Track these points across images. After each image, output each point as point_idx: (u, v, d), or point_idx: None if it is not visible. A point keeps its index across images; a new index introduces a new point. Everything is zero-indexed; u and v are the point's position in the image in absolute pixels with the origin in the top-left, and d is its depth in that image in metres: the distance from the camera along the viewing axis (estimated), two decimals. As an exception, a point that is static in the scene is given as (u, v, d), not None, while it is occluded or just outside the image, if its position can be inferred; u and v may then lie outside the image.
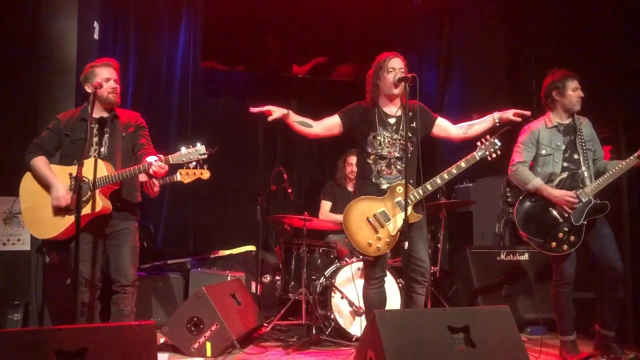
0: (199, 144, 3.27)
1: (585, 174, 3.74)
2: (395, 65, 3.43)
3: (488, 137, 3.40)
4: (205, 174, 3.46)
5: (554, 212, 3.72)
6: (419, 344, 2.67)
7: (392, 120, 3.48)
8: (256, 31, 6.16)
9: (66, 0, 4.76)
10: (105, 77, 3.45)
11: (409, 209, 3.29)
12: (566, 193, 3.67)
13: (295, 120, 3.53)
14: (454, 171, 3.35)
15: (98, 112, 3.49)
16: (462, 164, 3.37)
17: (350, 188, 5.43)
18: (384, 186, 3.42)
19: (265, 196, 5.26)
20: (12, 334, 2.63)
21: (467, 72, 6.36)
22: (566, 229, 3.68)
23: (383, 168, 3.44)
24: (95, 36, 5.27)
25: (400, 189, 3.34)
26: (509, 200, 5.33)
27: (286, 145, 6.63)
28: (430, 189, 3.35)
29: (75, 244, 2.92)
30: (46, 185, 3.37)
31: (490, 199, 5.48)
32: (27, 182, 3.46)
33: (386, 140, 3.44)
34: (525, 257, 4.93)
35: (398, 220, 3.33)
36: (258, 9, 6.05)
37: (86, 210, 3.24)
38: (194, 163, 3.29)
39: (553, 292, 3.83)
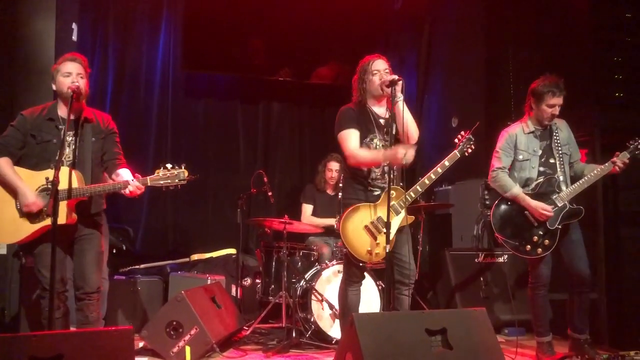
0: (178, 169, 3.12)
1: (561, 178, 3.80)
2: (380, 67, 3.47)
3: (463, 133, 3.47)
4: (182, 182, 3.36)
5: (529, 216, 3.77)
6: (397, 347, 2.69)
7: (382, 122, 3.51)
8: (236, 34, 6.14)
9: (44, 1, 4.71)
10: (66, 71, 3.25)
11: (403, 212, 3.38)
12: (541, 205, 3.71)
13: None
14: (439, 170, 3.40)
15: (65, 113, 3.23)
16: (446, 162, 3.42)
17: (330, 192, 5.45)
18: (377, 192, 3.44)
19: (246, 199, 5.25)
20: (-14, 340, 2.60)
21: (446, 76, 6.41)
22: (541, 232, 3.74)
23: (378, 175, 3.46)
24: (74, 37, 5.21)
25: (392, 193, 3.34)
26: (487, 202, 5.38)
27: (267, 148, 6.62)
28: (420, 190, 3.40)
29: (52, 251, 2.85)
30: (11, 190, 3.20)
31: (468, 201, 5.53)
32: None
33: (380, 145, 3.45)
34: (503, 259, 4.98)
35: (394, 224, 3.34)
36: (238, 12, 6.03)
37: (48, 221, 3.11)
38: (170, 166, 3.15)
39: (529, 294, 3.88)
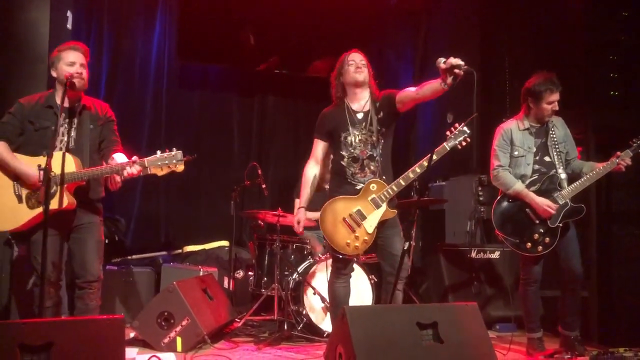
0: (175, 149, 3.14)
1: (562, 176, 3.79)
2: (355, 58, 3.51)
3: (457, 125, 3.35)
4: (180, 167, 3.27)
5: (530, 214, 3.77)
6: (388, 340, 2.70)
7: (360, 116, 3.50)
8: (232, 26, 6.13)
9: (39, -12, 4.67)
10: (69, 60, 3.27)
11: (384, 205, 3.34)
12: (546, 202, 3.71)
13: (307, 199, 3.64)
14: (425, 164, 3.31)
15: (64, 101, 3.29)
16: (434, 156, 3.30)
17: (324, 185, 5.43)
18: (359, 186, 3.44)
19: (240, 191, 5.24)
20: (-24, 327, 2.59)
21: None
22: (542, 230, 3.74)
23: (357, 171, 3.46)
24: (69, 26, 5.17)
25: (374, 187, 3.37)
26: (481, 199, 5.40)
27: (261, 140, 6.61)
28: (403, 183, 3.35)
29: (44, 238, 2.84)
30: (10, 174, 3.22)
31: (462, 197, 5.54)
32: None
33: (357, 139, 3.46)
34: (496, 255, 5.00)
35: (374, 218, 3.35)
36: (234, 4, 6.01)
37: (51, 205, 3.07)
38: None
39: (520, 290, 3.90)
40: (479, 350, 2.84)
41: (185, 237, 5.91)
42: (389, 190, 3.35)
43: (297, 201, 5.38)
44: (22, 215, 3.20)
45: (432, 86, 3.24)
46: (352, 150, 3.46)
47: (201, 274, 4.77)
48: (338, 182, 3.52)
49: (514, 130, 3.88)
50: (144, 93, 6.05)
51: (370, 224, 3.35)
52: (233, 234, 5.14)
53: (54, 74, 3.35)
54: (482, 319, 2.96)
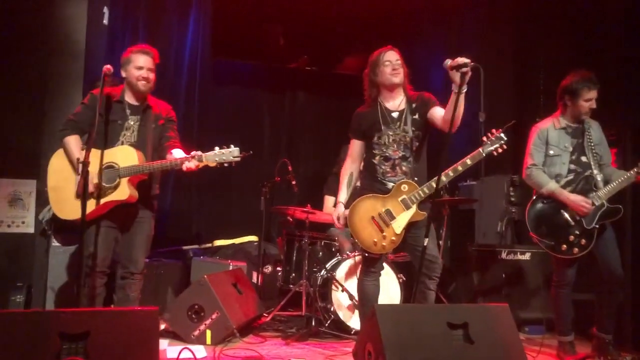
0: (232, 146, 3.27)
1: (598, 177, 3.72)
2: (391, 58, 3.43)
3: (494, 131, 3.31)
4: (213, 164, 3.40)
5: (566, 215, 3.70)
6: (418, 339, 2.69)
7: (395, 115, 3.46)
8: (264, 23, 6.16)
9: (76, -16, 4.77)
10: (138, 65, 3.43)
11: (414, 207, 3.31)
12: (582, 198, 3.65)
13: (346, 196, 3.59)
14: (460, 168, 3.28)
15: (132, 99, 3.51)
16: (468, 160, 3.30)
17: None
18: (389, 185, 3.42)
19: (270, 187, 5.27)
20: (17, 314, 2.67)
21: (475, 70, 6.32)
22: (577, 232, 3.67)
23: (388, 170, 3.44)
24: (105, 22, 5.27)
25: (405, 187, 3.34)
26: (513, 199, 5.33)
27: (291, 136, 6.64)
28: (435, 186, 3.29)
29: (81, 230, 2.94)
30: (75, 167, 3.37)
31: (493, 197, 5.47)
32: (56, 161, 3.46)
33: (390, 139, 3.43)
34: (526, 256, 4.93)
35: (403, 219, 3.33)
36: (267, 2, 6.04)
37: (113, 196, 3.27)
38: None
39: (552, 292, 3.84)
40: (510, 352, 2.80)
41: (215, 231, 5.99)
42: (420, 192, 3.31)
43: (327, 197, 5.42)
44: (87, 205, 3.25)
45: (450, 105, 3.16)
46: (385, 150, 3.44)
47: (231, 268, 4.82)
48: (369, 180, 3.51)
49: (549, 129, 3.82)
50: (177, 88, 6.13)
51: (399, 224, 3.33)
52: (262, 229, 5.18)
53: (123, 73, 3.49)
54: (513, 320, 2.92)
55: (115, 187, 3.27)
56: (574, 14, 5.15)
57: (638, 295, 4.27)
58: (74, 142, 3.40)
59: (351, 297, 4.36)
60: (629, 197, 4.28)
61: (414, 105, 3.44)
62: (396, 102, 3.50)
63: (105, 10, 5.24)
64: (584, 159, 3.77)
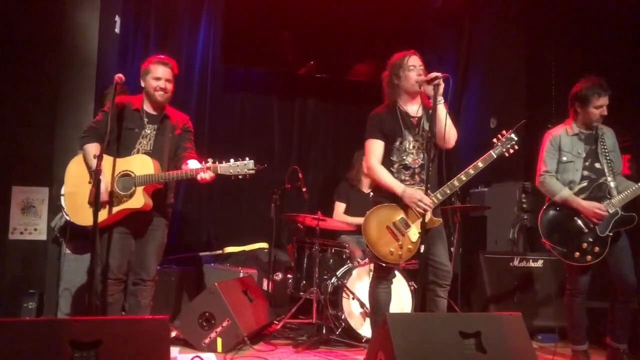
0: (247, 158, 3.31)
1: (612, 184, 3.68)
2: (415, 63, 3.39)
3: (504, 132, 3.30)
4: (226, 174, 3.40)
5: (579, 222, 3.67)
6: (429, 348, 2.66)
7: (415, 120, 3.44)
8: (275, 30, 6.18)
9: (88, -7, 4.82)
10: (156, 75, 3.47)
11: (429, 214, 3.27)
12: (595, 205, 3.61)
13: (396, 182, 3.38)
14: (472, 172, 3.27)
15: (150, 108, 3.54)
16: (479, 163, 3.28)
17: (365, 189, 5.41)
18: None
19: (280, 194, 5.27)
20: (28, 322, 2.68)
21: (486, 76, 6.32)
22: (591, 239, 3.63)
23: (406, 178, 3.39)
24: (117, 30, 5.32)
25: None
26: (524, 206, 5.30)
27: (302, 143, 6.64)
28: (448, 192, 3.29)
29: (92, 237, 2.96)
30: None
31: (505, 204, 5.45)
32: (74, 167, 3.48)
33: (411, 146, 3.39)
34: (539, 264, 4.89)
35: (418, 226, 3.30)
36: (278, 8, 6.06)
37: (128, 204, 3.30)
38: (211, 161, 3.32)
39: (566, 301, 3.80)
40: (523, 361, 2.77)
41: (225, 238, 5.99)
42: (434, 198, 3.28)
43: (337, 204, 5.40)
44: (102, 212, 3.29)
45: (435, 118, 3.24)
46: (405, 157, 3.39)
47: (241, 275, 4.82)
48: (385, 191, 3.42)
49: (562, 136, 3.79)
50: (188, 95, 6.16)
51: (415, 232, 3.30)
52: (273, 236, 5.18)
53: (142, 83, 3.54)
54: (526, 329, 2.89)
55: (131, 195, 3.30)
56: (586, 20, 5.12)
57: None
58: (93, 149, 3.41)
59: (362, 304, 4.34)
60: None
61: (429, 112, 3.41)
62: (414, 108, 3.47)
63: (117, 19, 5.30)
64: (597, 165, 3.73)
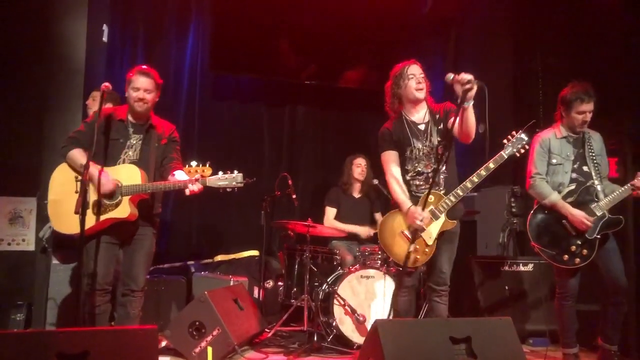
0: (236, 171, 3.31)
1: (599, 187, 3.71)
2: (415, 72, 3.45)
3: (514, 133, 3.35)
4: (207, 172, 3.38)
5: (568, 225, 3.69)
6: (420, 354, 2.67)
7: (422, 127, 3.46)
8: (263, 37, 6.17)
9: (76, 2, 4.80)
10: (135, 86, 3.46)
11: (443, 216, 3.31)
12: (583, 215, 3.63)
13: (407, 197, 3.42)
14: (483, 173, 3.29)
15: (133, 118, 3.53)
16: (491, 164, 3.31)
17: (356, 194, 5.42)
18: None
19: (270, 201, 5.27)
20: (13, 335, 2.66)
21: (474, 82, 6.34)
22: (579, 242, 3.65)
23: (422, 184, 3.42)
24: (104, 39, 5.31)
25: (432, 198, 3.32)
26: (514, 210, 5.32)
27: (291, 150, 6.64)
28: (461, 194, 3.30)
29: (79, 247, 2.94)
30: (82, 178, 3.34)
31: (494, 208, 5.46)
32: (58, 175, 3.46)
33: (421, 152, 3.42)
34: (529, 268, 4.90)
35: (433, 229, 3.31)
36: (266, 15, 6.07)
37: (114, 214, 3.28)
38: (195, 164, 3.34)
39: (556, 304, 3.81)
40: (514, 366, 2.78)
41: (216, 246, 5.96)
42: (447, 201, 3.30)
43: (328, 209, 5.39)
44: (87, 220, 3.23)
45: (459, 118, 3.23)
46: (417, 165, 3.42)
47: (232, 283, 4.79)
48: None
49: (551, 138, 3.82)
50: (177, 104, 6.15)
51: (430, 235, 3.31)
52: (263, 243, 5.17)
53: (126, 94, 3.52)
54: (516, 333, 2.89)
55: (117, 205, 3.28)
56: (572, 25, 5.16)
57: (642, 305, 4.24)
58: (78, 153, 3.40)
59: (353, 310, 4.33)
60: (631, 207, 4.27)
61: (437, 117, 3.45)
62: (420, 115, 3.50)
63: (105, 27, 5.28)
64: (585, 168, 3.76)
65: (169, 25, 6.15)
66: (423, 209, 3.27)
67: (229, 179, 3.30)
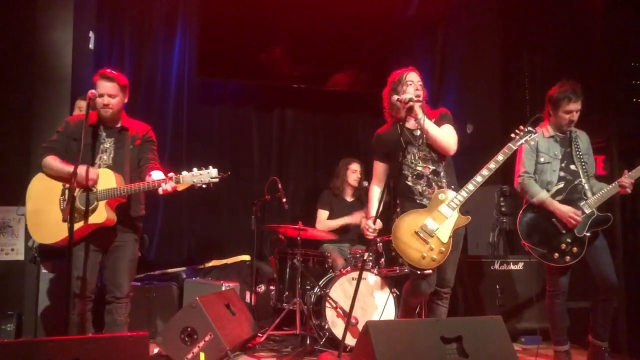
0: (211, 167, 3.25)
1: (586, 185, 3.74)
2: (413, 79, 3.48)
3: (522, 127, 3.40)
4: (189, 183, 3.32)
5: (557, 223, 3.71)
6: (411, 354, 2.68)
7: (417, 133, 3.47)
8: (251, 42, 6.17)
9: (62, 10, 4.78)
10: (99, 92, 3.41)
11: (456, 213, 3.30)
12: (571, 210, 3.66)
13: (376, 210, 3.49)
14: (492, 166, 3.30)
15: (103, 122, 3.49)
16: (500, 157, 3.32)
17: (348, 198, 5.43)
18: (427, 202, 3.38)
19: (260, 206, 5.26)
20: (4, 344, 2.62)
21: (461, 82, 6.39)
22: (569, 240, 3.67)
23: (424, 188, 3.42)
24: (91, 46, 5.28)
25: (442, 196, 3.32)
26: (503, 209, 5.35)
27: (281, 154, 6.64)
28: (472, 189, 3.29)
29: (68, 254, 2.92)
30: (65, 179, 3.33)
31: (484, 208, 5.49)
32: (37, 185, 3.43)
33: (416, 157, 3.43)
34: (519, 266, 4.93)
35: (447, 226, 3.29)
36: (253, 20, 6.06)
37: (91, 220, 3.24)
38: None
39: (547, 302, 3.83)
40: (505, 364, 2.79)
41: (207, 251, 5.94)
42: (459, 197, 3.30)
43: (320, 211, 5.40)
44: (64, 230, 3.22)
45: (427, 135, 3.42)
46: (415, 168, 3.43)
47: (223, 288, 4.78)
48: (408, 204, 3.43)
49: (539, 137, 3.84)
50: (165, 110, 6.13)
51: (444, 233, 3.28)
52: (254, 248, 5.16)
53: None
54: (507, 332, 2.91)
55: (94, 210, 3.25)
56: (559, 25, 5.20)
57: (632, 302, 4.28)
58: (53, 160, 3.37)
59: (345, 313, 4.33)
60: (618, 205, 4.31)
61: (433, 121, 3.47)
62: (417, 120, 3.50)
63: (91, 34, 5.26)
64: (573, 167, 3.79)
65: (156, 31, 6.13)
66: (434, 208, 3.31)
67: (204, 175, 3.22)
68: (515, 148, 3.37)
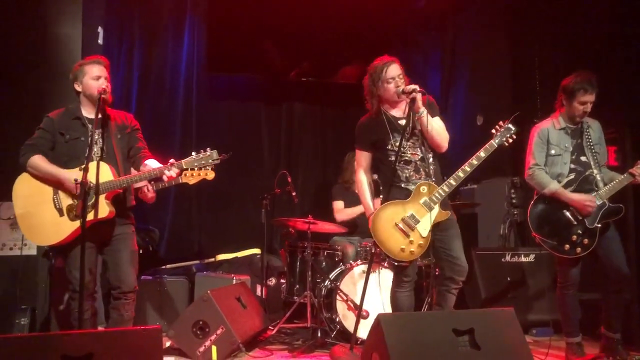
0: (209, 149, 3.21)
1: (598, 176, 3.71)
2: (394, 74, 3.39)
3: (502, 123, 3.35)
4: (210, 174, 3.29)
5: (568, 215, 3.68)
6: (423, 347, 2.67)
7: (402, 122, 3.41)
8: (259, 36, 6.17)
9: (70, 5, 4.78)
10: (95, 75, 3.32)
11: (437, 207, 3.28)
12: (585, 197, 3.63)
13: (370, 203, 3.55)
14: (475, 162, 3.28)
15: (90, 112, 3.37)
16: (482, 153, 3.30)
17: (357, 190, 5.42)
18: (412, 189, 3.35)
19: (270, 199, 5.26)
20: (18, 339, 2.65)
21: (471, 74, 6.34)
22: (580, 231, 3.64)
23: (411, 173, 3.40)
24: (100, 41, 5.29)
25: (424, 189, 3.30)
26: (514, 201, 5.32)
27: (290, 148, 6.64)
28: (454, 183, 3.28)
29: (82, 251, 2.91)
30: (51, 183, 3.26)
31: (494, 200, 5.47)
32: (21, 187, 3.32)
33: (404, 145, 3.37)
34: (531, 258, 4.91)
35: (427, 221, 3.28)
36: (261, 14, 6.05)
37: (90, 215, 3.14)
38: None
39: (558, 294, 3.82)
40: (517, 356, 2.78)
41: (217, 245, 5.96)
42: (440, 191, 3.28)
43: (335, 202, 5.38)
44: (65, 228, 3.22)
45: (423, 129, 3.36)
46: (403, 154, 3.38)
47: (234, 282, 4.80)
48: (392, 190, 3.39)
49: (550, 129, 3.81)
50: (174, 105, 6.14)
51: (424, 227, 3.27)
52: (264, 241, 5.17)
53: (78, 87, 3.39)
54: (519, 324, 2.90)
55: (92, 206, 3.15)
56: (568, 15, 5.15)
57: (644, 293, 4.25)
58: (40, 160, 3.29)
59: (356, 306, 4.33)
60: (631, 195, 4.27)
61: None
62: (402, 108, 3.48)
63: (100, 30, 5.26)
64: (583, 158, 3.75)
65: (165, 26, 6.13)
66: (415, 201, 3.29)
67: (205, 158, 3.19)
68: (496, 145, 3.31)
